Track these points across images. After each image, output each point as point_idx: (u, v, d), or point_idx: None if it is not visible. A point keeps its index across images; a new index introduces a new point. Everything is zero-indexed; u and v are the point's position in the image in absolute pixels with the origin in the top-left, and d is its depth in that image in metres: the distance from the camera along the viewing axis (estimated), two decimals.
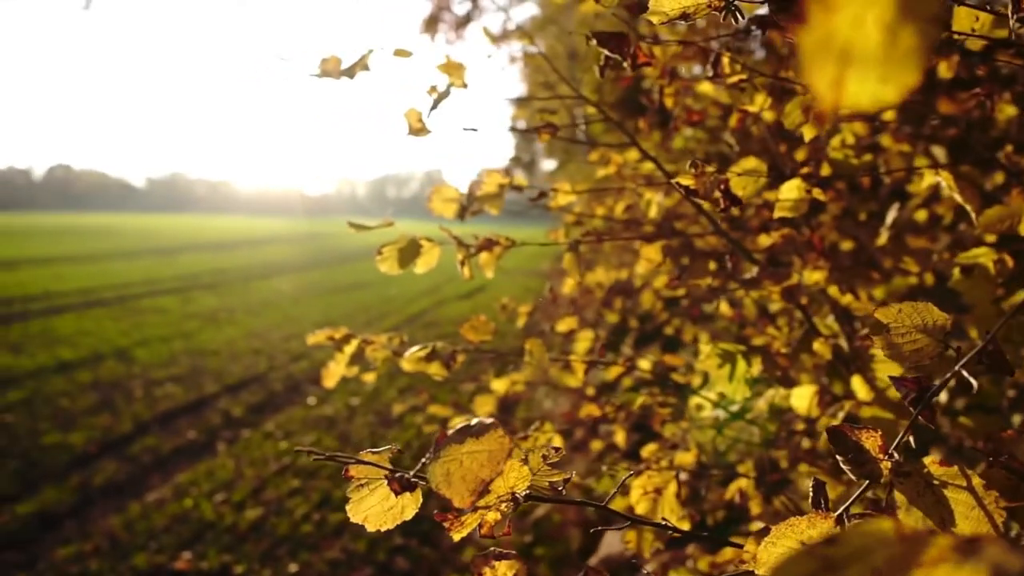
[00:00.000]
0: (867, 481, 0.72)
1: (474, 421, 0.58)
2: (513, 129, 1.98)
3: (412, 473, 0.68)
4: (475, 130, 1.52)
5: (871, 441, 0.71)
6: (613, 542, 4.16)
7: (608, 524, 4.64)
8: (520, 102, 3.51)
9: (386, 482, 0.69)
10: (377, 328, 12.30)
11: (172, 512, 5.19)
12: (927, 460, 0.69)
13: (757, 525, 2.20)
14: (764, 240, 1.81)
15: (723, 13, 0.84)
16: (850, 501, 0.74)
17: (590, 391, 2.65)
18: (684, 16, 0.84)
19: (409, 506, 0.70)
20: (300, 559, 4.63)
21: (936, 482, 0.68)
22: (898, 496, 0.68)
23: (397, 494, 0.68)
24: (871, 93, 0.33)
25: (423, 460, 0.59)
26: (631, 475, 1.04)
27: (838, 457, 0.72)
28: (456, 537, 0.70)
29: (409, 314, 14.77)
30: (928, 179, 1.30)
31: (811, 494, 0.80)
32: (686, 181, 1.10)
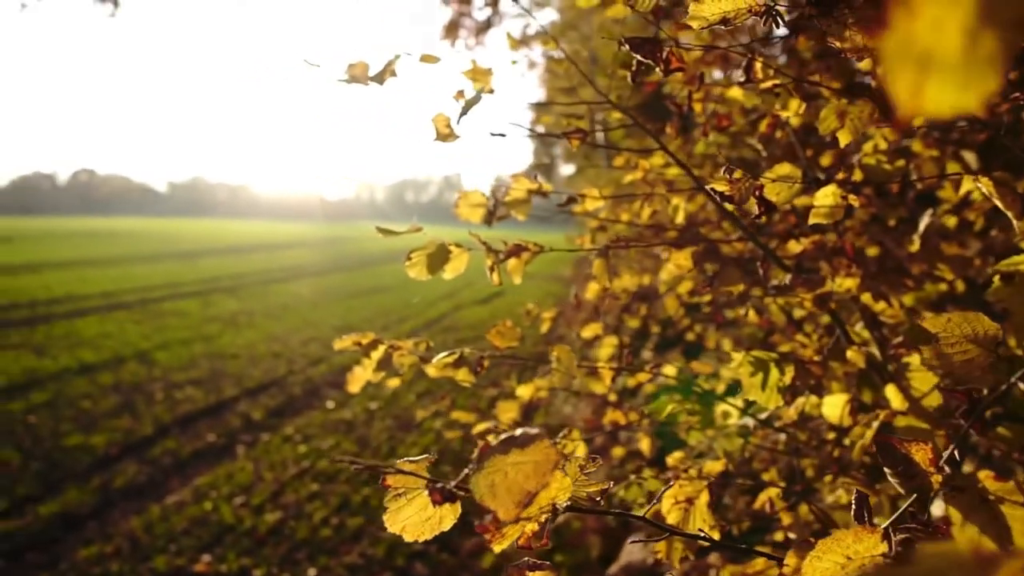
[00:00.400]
0: (915, 494, 0.70)
1: (519, 431, 0.57)
2: (536, 134, 1.97)
3: (453, 484, 0.67)
4: (503, 135, 1.51)
5: (921, 454, 0.69)
6: (633, 549, 4.13)
7: (629, 531, 4.61)
8: (542, 107, 3.50)
9: (425, 492, 0.68)
10: (396, 332, 12.34)
11: (192, 515, 5.22)
12: (981, 475, 0.67)
13: (783, 535, 2.17)
14: (794, 247, 1.78)
15: (763, 18, 0.83)
16: (896, 514, 0.72)
17: (613, 397, 2.63)
18: (724, 21, 0.83)
19: (447, 516, 0.70)
20: (319, 563, 4.64)
21: (992, 497, 0.66)
22: (951, 511, 0.66)
23: (437, 504, 0.68)
24: (951, 99, 0.32)
25: (465, 471, 0.58)
26: (666, 488, 1.03)
27: (886, 470, 0.71)
28: (497, 549, 0.69)
29: (428, 318, 14.80)
30: (967, 185, 1.28)
31: (854, 507, 0.79)
32: (720, 186, 1.08)
